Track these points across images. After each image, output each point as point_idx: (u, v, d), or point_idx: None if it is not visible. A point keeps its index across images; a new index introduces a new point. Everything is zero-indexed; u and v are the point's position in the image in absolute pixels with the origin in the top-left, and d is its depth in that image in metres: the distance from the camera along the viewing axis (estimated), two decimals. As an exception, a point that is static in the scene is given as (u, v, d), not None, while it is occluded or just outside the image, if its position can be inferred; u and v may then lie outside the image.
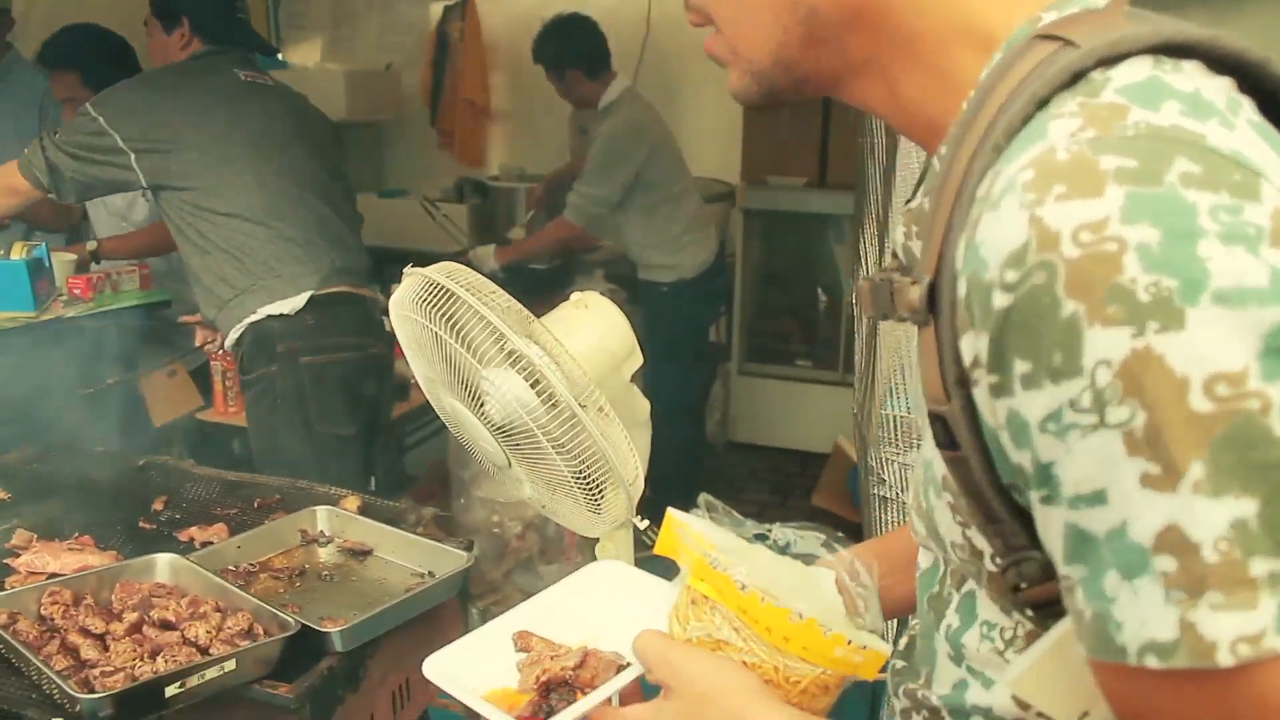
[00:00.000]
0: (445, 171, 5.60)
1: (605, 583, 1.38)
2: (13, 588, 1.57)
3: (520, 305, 1.76)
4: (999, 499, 0.67)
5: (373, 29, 5.48)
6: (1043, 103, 0.63)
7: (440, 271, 1.73)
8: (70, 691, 1.27)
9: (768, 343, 5.25)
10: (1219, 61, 0.64)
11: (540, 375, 1.66)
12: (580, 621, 1.21)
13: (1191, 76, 0.62)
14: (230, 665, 1.35)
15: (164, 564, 1.63)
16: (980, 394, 0.63)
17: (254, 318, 2.57)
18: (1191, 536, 0.54)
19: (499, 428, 1.75)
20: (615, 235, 4.75)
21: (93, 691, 1.29)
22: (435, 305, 1.71)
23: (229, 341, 2.68)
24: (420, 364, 1.84)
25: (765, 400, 5.18)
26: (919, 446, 0.88)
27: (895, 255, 0.81)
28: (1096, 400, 0.56)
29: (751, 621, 0.89)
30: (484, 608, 3.58)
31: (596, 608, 1.28)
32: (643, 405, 1.99)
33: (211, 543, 1.77)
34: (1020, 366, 0.59)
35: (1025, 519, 0.66)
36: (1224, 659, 0.54)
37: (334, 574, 1.74)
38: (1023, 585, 0.69)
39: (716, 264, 4.29)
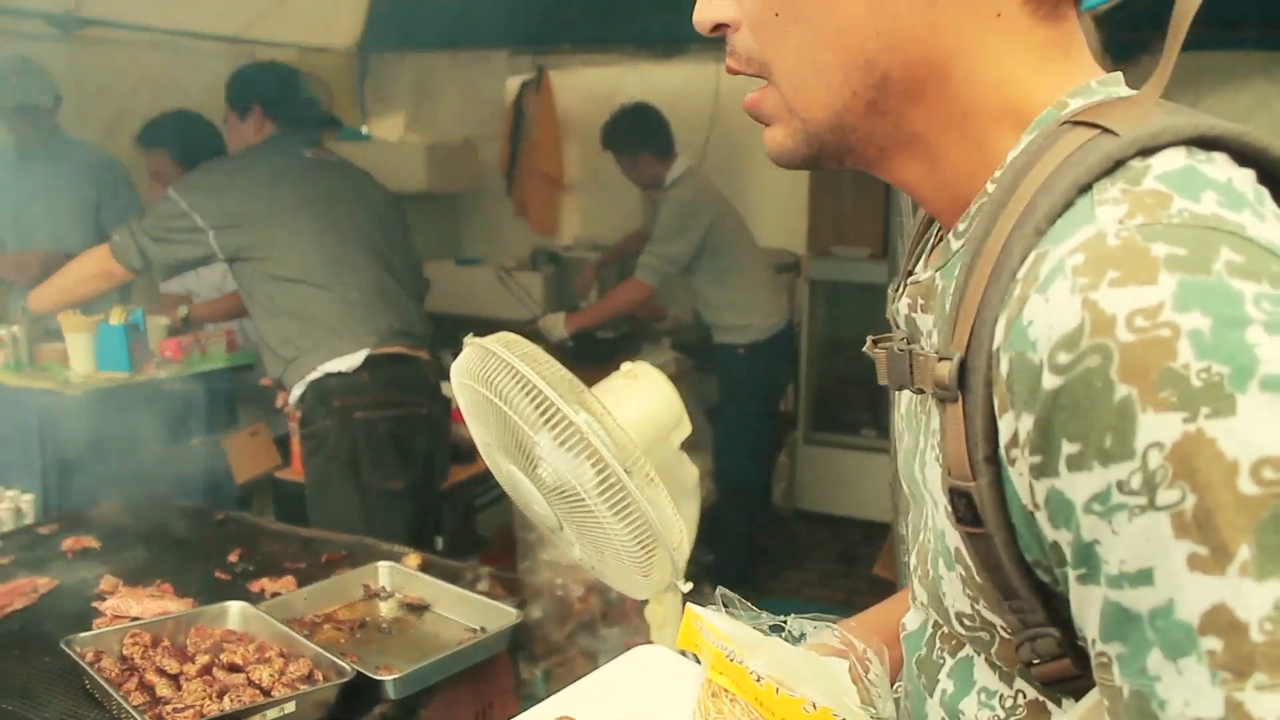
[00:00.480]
0: (520, 241, 5.79)
1: (648, 668, 1.43)
2: (99, 629, 1.70)
3: (572, 375, 1.87)
4: (1020, 576, 0.68)
5: (452, 104, 5.69)
6: (1084, 188, 0.64)
7: (498, 342, 1.84)
8: (146, 724, 1.39)
9: (833, 412, 5.30)
10: (1244, 154, 0.66)
11: (588, 442, 1.77)
12: (622, 707, 1.24)
13: (1223, 168, 0.64)
14: (290, 707, 1.46)
15: (235, 612, 1.75)
16: (1016, 473, 0.64)
17: (314, 375, 2.75)
18: (1239, 617, 0.54)
19: (551, 491, 1.85)
20: (684, 303, 4.87)
21: (166, 726, 1.41)
22: (492, 374, 1.83)
23: (293, 398, 2.85)
24: (478, 429, 1.95)
25: (830, 469, 5.22)
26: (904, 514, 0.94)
27: (897, 325, 0.84)
28: (1147, 482, 0.56)
29: (768, 713, 0.93)
30: (546, 668, 3.65)
31: (638, 694, 1.32)
32: (691, 473, 2.08)
33: (280, 594, 1.90)
34: (1068, 448, 0.59)
35: (1044, 596, 0.68)
36: None
37: (392, 627, 1.85)
38: (1035, 661, 0.70)
39: (787, 329, 4.40)
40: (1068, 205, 0.64)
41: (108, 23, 4.21)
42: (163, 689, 1.51)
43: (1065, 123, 0.69)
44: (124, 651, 1.61)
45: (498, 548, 4.24)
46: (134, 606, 1.81)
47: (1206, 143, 0.65)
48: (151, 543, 2.15)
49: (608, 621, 3.77)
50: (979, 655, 0.80)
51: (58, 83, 3.72)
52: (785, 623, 1.15)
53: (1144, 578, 0.57)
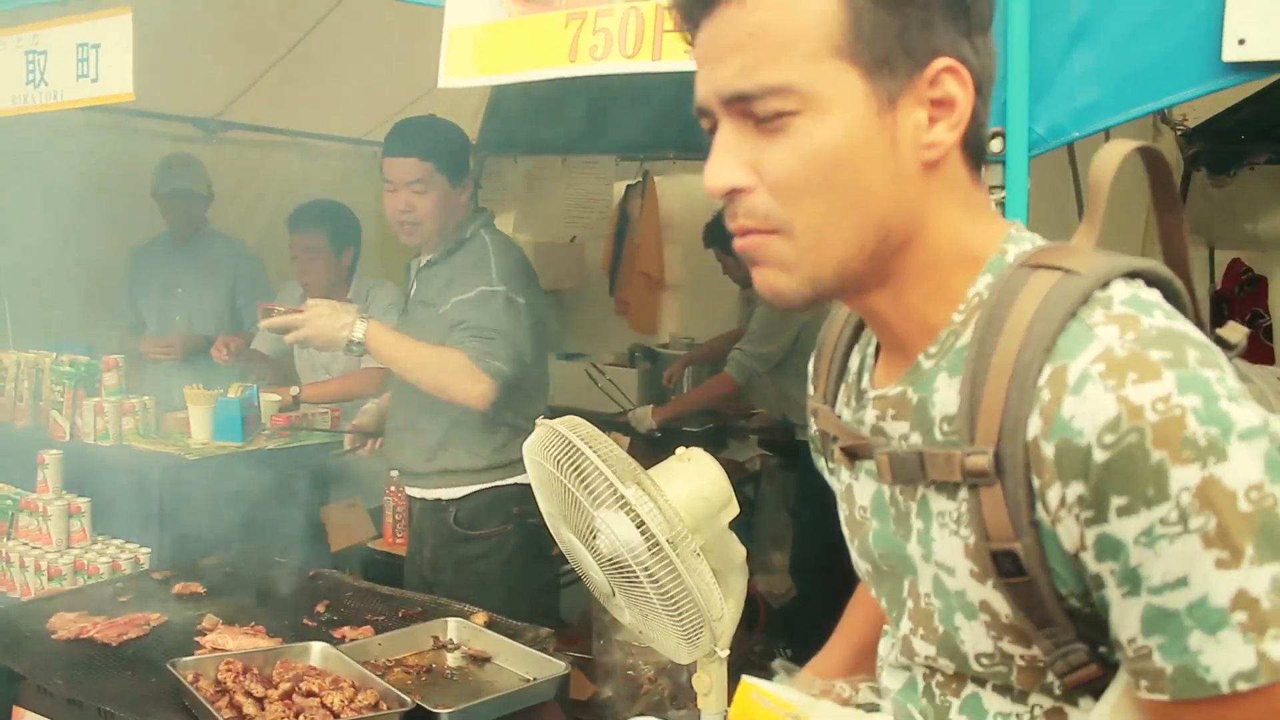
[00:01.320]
0: (620, 337, 6.02)
1: None
2: (199, 655, 1.94)
3: (627, 455, 2.06)
4: (1056, 607, 0.90)
5: (561, 205, 6.00)
6: (1071, 315, 0.87)
7: (564, 424, 2.05)
8: (231, 735, 1.61)
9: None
10: (1153, 280, 0.93)
11: (639, 516, 1.95)
12: None
13: (1147, 289, 0.91)
14: (356, 730, 1.66)
15: (317, 651, 1.97)
16: (1063, 528, 0.86)
17: (502, 482, 2.86)
18: (1253, 594, 0.80)
19: (605, 561, 2.03)
20: (772, 401, 5.02)
21: (248, 739, 1.62)
22: (557, 452, 2.04)
23: (450, 495, 2.89)
24: (545, 501, 2.15)
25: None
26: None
27: (856, 433, 1.05)
28: (1181, 516, 0.80)
29: None
30: (614, 746, 3.76)
31: None
32: (739, 550, 2.24)
33: (359, 639, 2.11)
34: (1117, 501, 0.82)
35: (1073, 619, 0.90)
36: None
37: (455, 674, 2.04)
38: (1068, 672, 0.92)
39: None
40: (1063, 330, 0.87)
41: (246, 125, 4.64)
42: (249, 708, 1.72)
43: (1023, 266, 0.93)
44: (218, 676, 1.84)
45: (577, 629, 4.40)
46: (230, 642, 2.04)
47: (1132, 274, 0.91)
48: (250, 591, 2.39)
49: (676, 704, 3.88)
50: (984, 688, 1.01)
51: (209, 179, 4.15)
52: (834, 686, 1.27)
53: (1181, 583, 0.82)
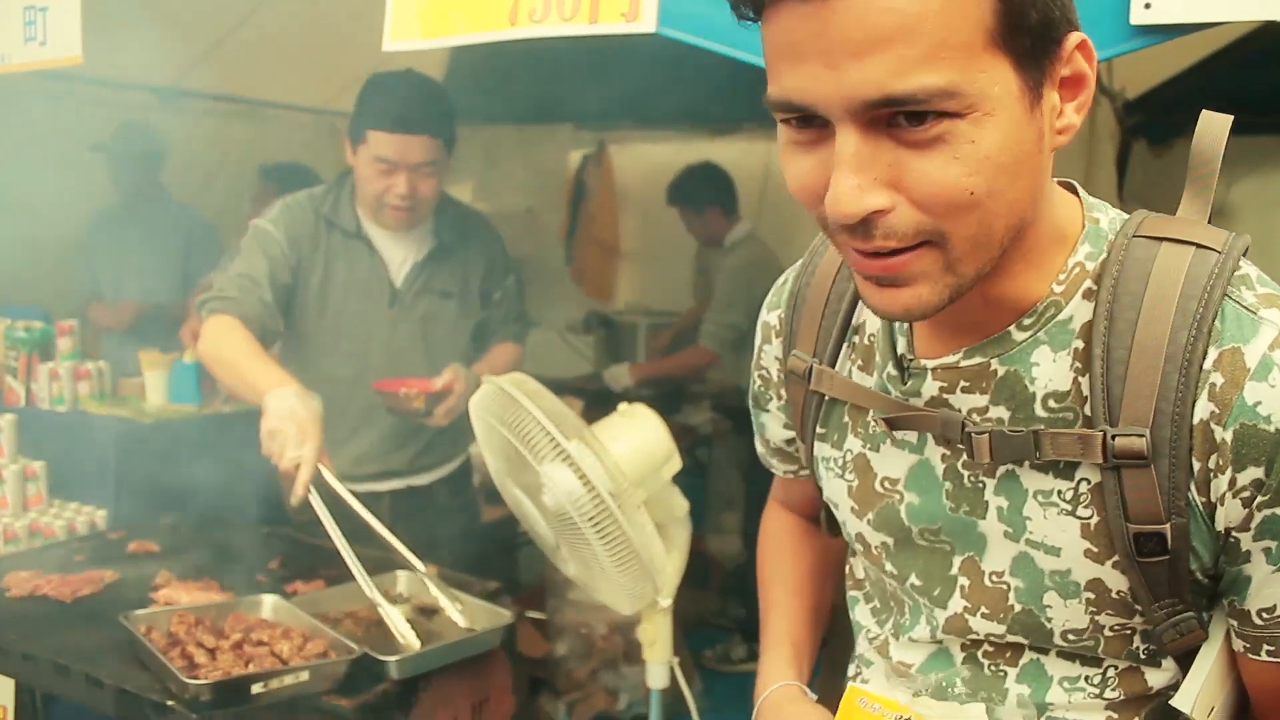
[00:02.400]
0: (576, 305, 6.08)
1: None
2: (152, 609, 1.99)
3: (571, 412, 2.12)
4: (1184, 581, 0.93)
5: (518, 175, 6.03)
6: (1223, 295, 0.88)
7: (509, 381, 2.11)
8: (182, 679, 1.66)
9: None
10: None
11: (580, 469, 2.01)
12: None
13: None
14: (304, 675, 1.72)
15: (269, 603, 2.02)
16: (1227, 509, 0.88)
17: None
18: None
19: (552, 514, 2.09)
20: (731, 367, 5.09)
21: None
22: (503, 408, 2.09)
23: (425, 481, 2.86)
24: (492, 458, 2.21)
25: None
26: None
27: (918, 404, 0.98)
28: None
29: None
30: (570, 702, 3.85)
31: None
32: (681, 504, 2.32)
33: (310, 593, 2.16)
34: None
35: (1194, 591, 0.94)
36: None
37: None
38: (1176, 639, 0.96)
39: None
40: (1219, 311, 0.87)
41: (204, 95, 4.64)
42: (200, 657, 1.77)
43: (1140, 237, 0.91)
44: (170, 629, 1.89)
45: (533, 589, 4.48)
46: (183, 597, 2.08)
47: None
48: (204, 549, 2.43)
49: (629, 660, 3.97)
50: (1048, 655, 1.02)
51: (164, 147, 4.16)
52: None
53: None
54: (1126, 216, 0.95)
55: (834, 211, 0.80)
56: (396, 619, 1.95)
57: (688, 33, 1.66)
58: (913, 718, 1.06)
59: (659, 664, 2.32)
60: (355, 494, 2.45)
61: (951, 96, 0.77)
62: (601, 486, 2.03)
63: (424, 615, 2.15)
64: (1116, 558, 0.93)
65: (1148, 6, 1.43)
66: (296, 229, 2.58)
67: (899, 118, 0.78)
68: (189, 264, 4.17)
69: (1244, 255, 0.91)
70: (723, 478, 4.90)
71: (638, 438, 2.25)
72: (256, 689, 1.68)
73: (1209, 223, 0.95)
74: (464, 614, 2.10)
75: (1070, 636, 0.99)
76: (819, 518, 1.33)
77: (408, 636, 1.93)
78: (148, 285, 4.07)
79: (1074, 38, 0.84)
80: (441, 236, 2.69)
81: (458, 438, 2.79)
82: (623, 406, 2.31)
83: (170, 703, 1.67)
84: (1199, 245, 0.90)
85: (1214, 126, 0.97)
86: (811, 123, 0.82)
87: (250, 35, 4.21)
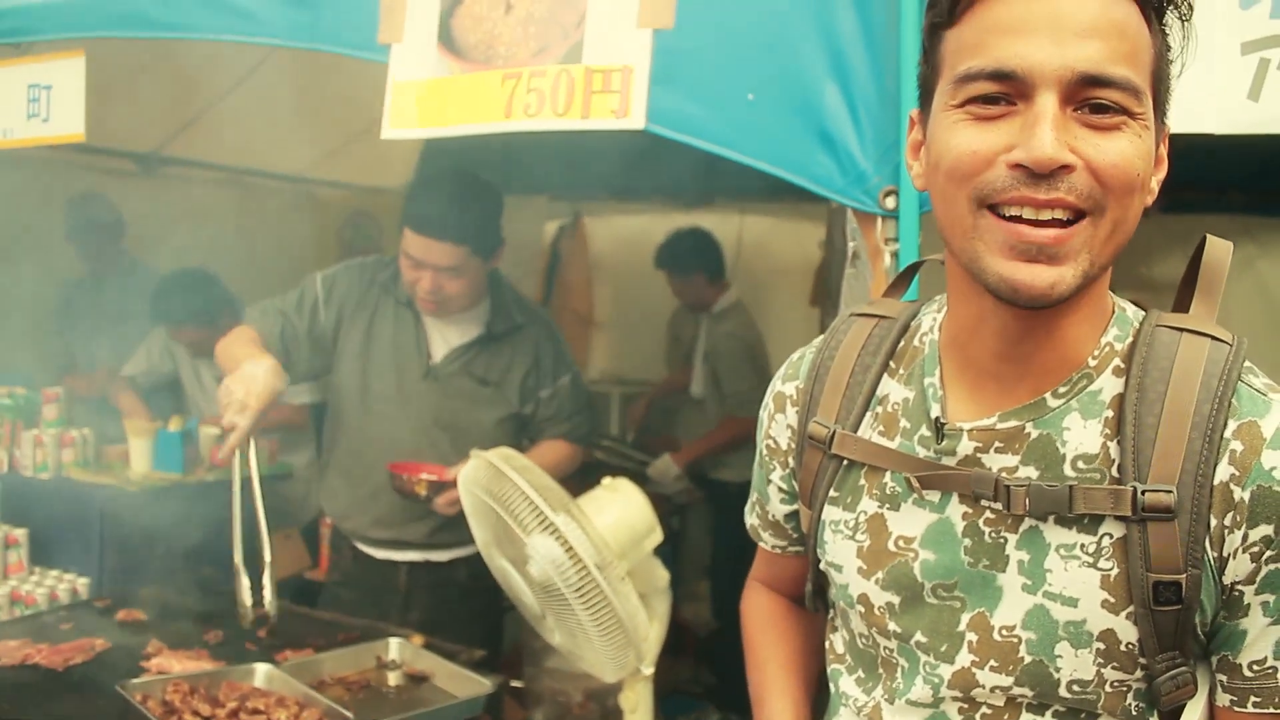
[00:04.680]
0: (551, 374, 6.14)
1: None
2: (148, 677, 2.03)
3: (558, 486, 2.19)
4: (1188, 633, 1.01)
5: (493, 244, 6.12)
6: (1238, 378, 1.01)
7: (497, 455, 2.18)
8: (181, 749, 1.70)
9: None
10: None
11: (567, 542, 2.08)
12: None
13: None
14: (300, 744, 1.77)
15: (261, 671, 2.07)
16: (1236, 563, 0.98)
17: None
18: None
19: (536, 585, 2.15)
20: (693, 436, 5.16)
21: (197, 753, 1.72)
22: (491, 482, 2.16)
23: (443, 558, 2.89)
24: (479, 529, 2.28)
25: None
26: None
27: (949, 463, 1.08)
28: None
29: None
30: (544, 770, 3.86)
31: None
32: (662, 575, 2.38)
33: (302, 659, 2.20)
34: None
35: (1193, 643, 1.03)
36: None
37: (392, 692, 2.14)
38: (1173, 691, 1.03)
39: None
40: (1235, 390, 1.00)
41: (185, 161, 4.71)
42: (196, 726, 1.82)
43: (1163, 327, 1.04)
44: (165, 697, 1.92)
45: (510, 656, 4.49)
46: (175, 665, 2.12)
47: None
48: (193, 619, 2.47)
49: (604, 728, 3.99)
50: (1043, 715, 1.08)
51: (133, 214, 4.21)
52: None
53: None
54: (1144, 311, 1.09)
55: (1037, 157, 0.92)
56: (243, 589, 2.23)
57: (674, 130, 1.77)
58: None
59: (640, 731, 2.36)
60: (375, 559, 2.68)
61: (1137, 96, 0.94)
62: (587, 558, 2.09)
63: (414, 682, 2.20)
64: (1131, 608, 1.02)
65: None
66: (344, 286, 2.75)
67: (1086, 106, 0.94)
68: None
69: None
70: (695, 546, 4.95)
71: (621, 510, 2.32)
72: (254, 757, 1.72)
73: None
74: (454, 684, 2.15)
75: (1075, 688, 1.06)
76: (802, 595, 1.38)
77: (247, 605, 2.21)
78: (120, 353, 4.10)
79: (1168, 125, 1.03)
80: (492, 326, 2.77)
81: None
82: (606, 480, 2.38)
83: (169, 771, 1.71)
84: (1214, 338, 1.03)
85: (1219, 249, 1.10)
86: (999, 101, 0.95)
87: (233, 105, 4.29)
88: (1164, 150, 1.03)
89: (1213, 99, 1.53)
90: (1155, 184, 1.02)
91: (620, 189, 5.63)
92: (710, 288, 4.56)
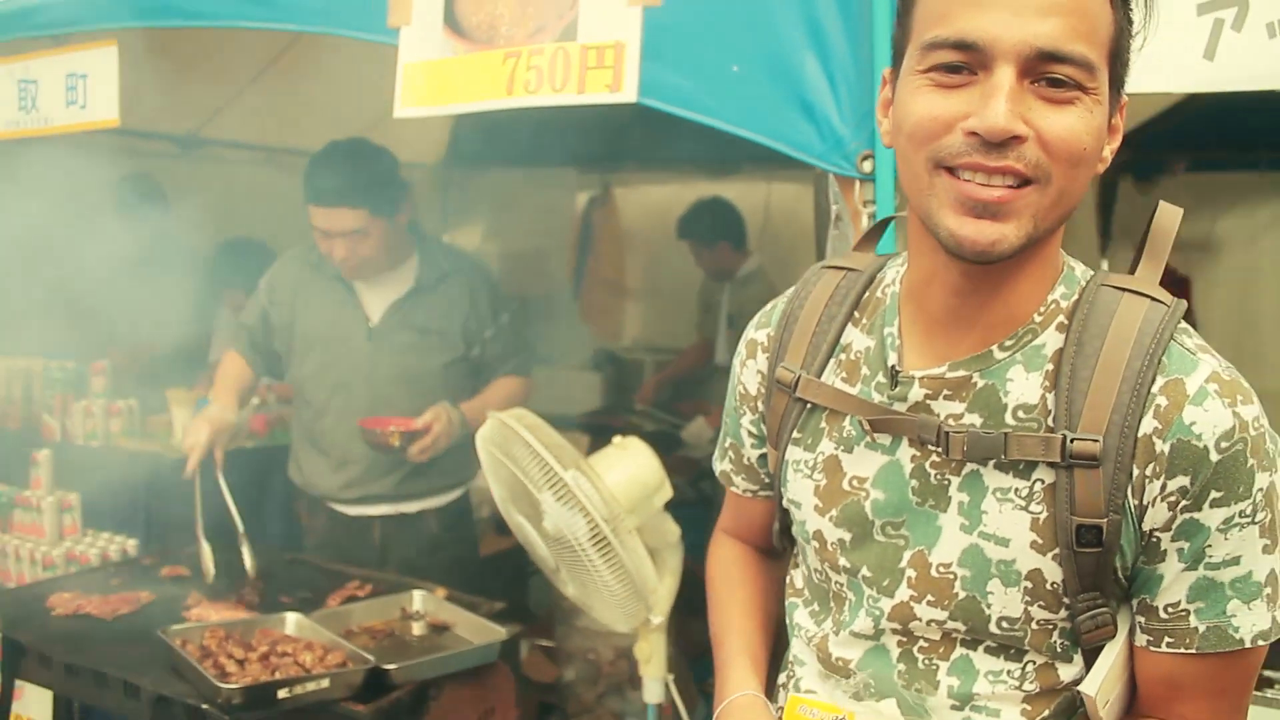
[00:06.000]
0: (584, 343, 6.24)
1: None
2: (187, 624, 2.19)
3: (569, 444, 2.30)
4: (1108, 575, 1.09)
5: (526, 216, 6.22)
6: (1170, 337, 1.07)
7: (510, 415, 2.30)
8: (216, 685, 1.84)
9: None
10: None
11: (577, 498, 2.18)
12: None
13: None
14: (325, 683, 1.90)
15: (291, 620, 2.21)
16: (1154, 512, 1.05)
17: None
18: (1277, 573, 1.06)
19: (551, 539, 2.26)
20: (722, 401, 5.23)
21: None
22: (506, 440, 2.27)
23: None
24: (496, 486, 2.39)
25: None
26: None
27: (900, 409, 1.15)
28: (1254, 509, 1.04)
29: None
30: (577, 726, 4.00)
31: None
32: (673, 529, 2.48)
33: (332, 609, 2.34)
34: (1214, 495, 1.04)
35: (1113, 586, 1.10)
36: None
37: (415, 640, 2.28)
38: (1092, 630, 1.11)
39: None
40: (1166, 348, 1.06)
41: (221, 142, 4.86)
42: (230, 667, 1.96)
43: (1107, 286, 1.11)
44: (203, 642, 2.07)
45: (543, 618, 4.62)
46: (212, 615, 2.27)
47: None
48: (230, 573, 2.62)
49: (635, 684, 4.11)
50: (975, 650, 1.16)
51: (175, 193, 4.36)
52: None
53: (1234, 561, 1.06)
54: (1093, 271, 1.16)
55: (990, 126, 0.98)
56: (206, 556, 2.60)
57: (664, 102, 1.86)
58: (847, 715, 1.20)
59: (654, 679, 2.48)
60: (348, 516, 2.91)
61: (1091, 72, 1.00)
62: (596, 512, 2.20)
63: (436, 631, 2.33)
64: (1057, 549, 1.09)
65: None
66: (279, 282, 3.00)
67: (1043, 80, 0.99)
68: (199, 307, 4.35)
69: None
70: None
71: (631, 468, 2.43)
72: (282, 694, 1.86)
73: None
74: (473, 632, 2.28)
75: (1004, 624, 1.13)
76: (765, 543, 1.47)
77: (210, 570, 2.57)
78: (161, 329, 4.25)
79: (1125, 95, 1.09)
80: (421, 277, 2.94)
81: (450, 471, 2.97)
82: (617, 439, 2.48)
83: (205, 706, 1.85)
84: (1153, 299, 1.10)
85: (1169, 215, 1.16)
86: (961, 70, 1.02)
87: (267, 86, 4.43)
88: (1119, 120, 1.09)
89: (1170, 58, 1.60)
90: (1109, 153, 1.08)
91: (649, 159, 5.71)
92: (733, 256, 4.65)
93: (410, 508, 2.96)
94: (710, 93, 1.84)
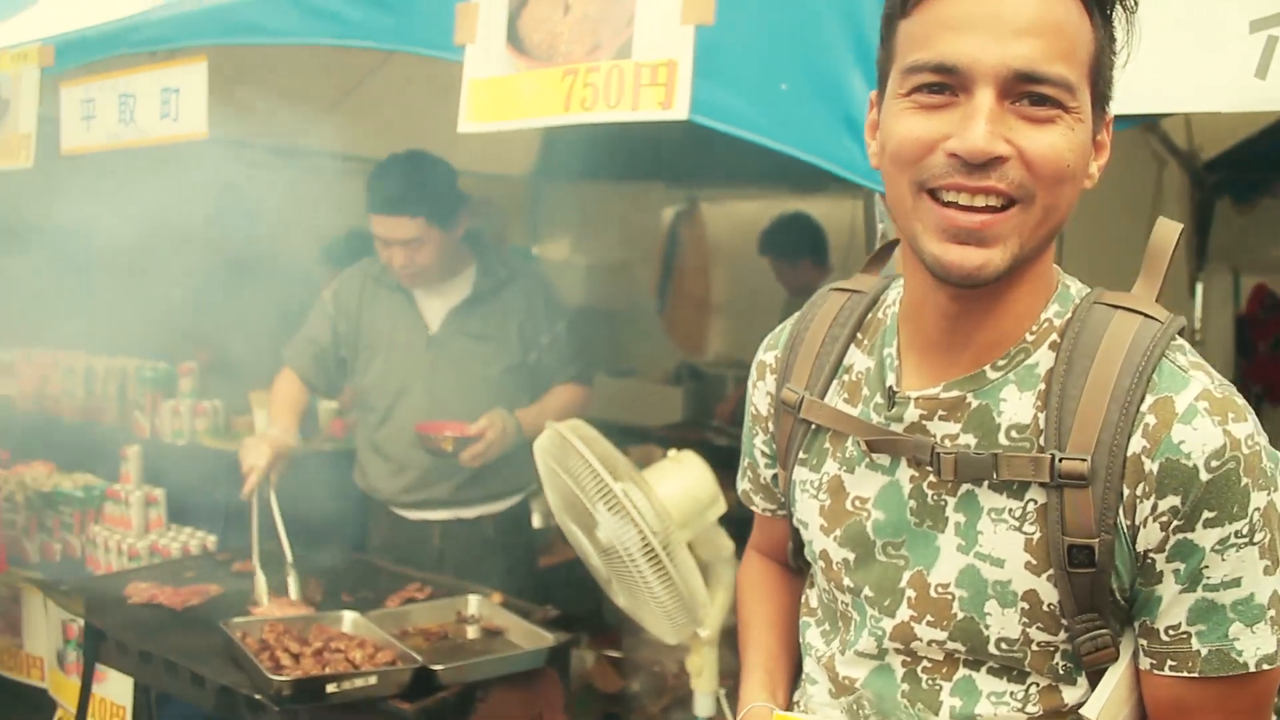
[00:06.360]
0: (667, 356, 6.28)
1: None
2: (248, 618, 2.28)
3: (624, 457, 2.33)
4: (1105, 596, 1.07)
5: (613, 229, 6.27)
6: (1162, 355, 1.06)
7: (566, 427, 2.34)
8: (268, 676, 1.92)
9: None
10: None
11: (627, 510, 2.21)
12: None
13: None
14: (372, 679, 1.97)
15: (349, 619, 2.28)
16: (1146, 532, 1.04)
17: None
18: None
19: (603, 550, 2.29)
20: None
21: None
22: (561, 452, 2.31)
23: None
24: (552, 495, 2.43)
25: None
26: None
27: (898, 429, 1.15)
28: (1250, 530, 1.02)
29: None
30: (642, 737, 4.01)
31: None
32: (726, 544, 2.50)
33: (389, 610, 2.41)
34: (1207, 514, 1.02)
35: (1113, 608, 1.09)
36: None
37: (467, 643, 2.33)
38: (1091, 652, 1.10)
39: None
40: (1156, 366, 1.05)
41: (316, 153, 5.01)
42: (285, 660, 2.03)
43: (1100, 304, 1.10)
44: (263, 635, 2.15)
45: (615, 629, 4.65)
46: (275, 610, 2.35)
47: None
48: (298, 571, 2.70)
49: (699, 698, 4.12)
50: (978, 671, 1.16)
51: (270, 205, 4.51)
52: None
53: (1235, 583, 1.04)
54: (1089, 289, 1.15)
55: (970, 148, 0.99)
56: (260, 583, 2.59)
57: (715, 119, 1.88)
58: None
59: (705, 694, 2.49)
60: (409, 520, 3.00)
61: (1072, 92, 1.00)
62: (646, 525, 2.22)
63: (489, 635, 2.38)
64: (1051, 571, 1.08)
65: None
66: (344, 294, 3.09)
67: (1024, 99, 1.00)
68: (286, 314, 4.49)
69: (1180, 334, 1.11)
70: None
71: (684, 481, 2.45)
72: (330, 689, 1.92)
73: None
74: (525, 638, 2.32)
75: (1003, 645, 1.12)
76: (789, 561, 1.48)
77: (264, 596, 2.56)
78: (248, 334, 4.40)
79: (1110, 112, 1.09)
80: (478, 285, 3.01)
81: (508, 478, 3.01)
82: (672, 453, 2.51)
83: (257, 696, 1.93)
84: (1147, 316, 1.08)
85: (1167, 230, 1.15)
86: (943, 91, 1.02)
87: (361, 100, 4.56)
88: (1105, 137, 1.10)
89: (1221, 77, 1.57)
90: (1095, 169, 1.09)
91: (736, 174, 5.71)
92: (815, 273, 4.62)
93: (469, 513, 3.02)
94: (759, 110, 1.86)
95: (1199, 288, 5.18)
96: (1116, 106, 1.60)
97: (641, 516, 2.24)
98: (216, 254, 4.55)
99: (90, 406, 3.74)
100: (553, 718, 2.32)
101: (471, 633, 2.40)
